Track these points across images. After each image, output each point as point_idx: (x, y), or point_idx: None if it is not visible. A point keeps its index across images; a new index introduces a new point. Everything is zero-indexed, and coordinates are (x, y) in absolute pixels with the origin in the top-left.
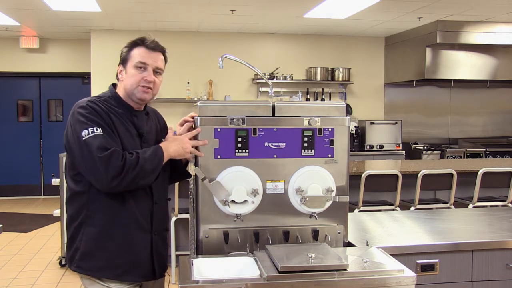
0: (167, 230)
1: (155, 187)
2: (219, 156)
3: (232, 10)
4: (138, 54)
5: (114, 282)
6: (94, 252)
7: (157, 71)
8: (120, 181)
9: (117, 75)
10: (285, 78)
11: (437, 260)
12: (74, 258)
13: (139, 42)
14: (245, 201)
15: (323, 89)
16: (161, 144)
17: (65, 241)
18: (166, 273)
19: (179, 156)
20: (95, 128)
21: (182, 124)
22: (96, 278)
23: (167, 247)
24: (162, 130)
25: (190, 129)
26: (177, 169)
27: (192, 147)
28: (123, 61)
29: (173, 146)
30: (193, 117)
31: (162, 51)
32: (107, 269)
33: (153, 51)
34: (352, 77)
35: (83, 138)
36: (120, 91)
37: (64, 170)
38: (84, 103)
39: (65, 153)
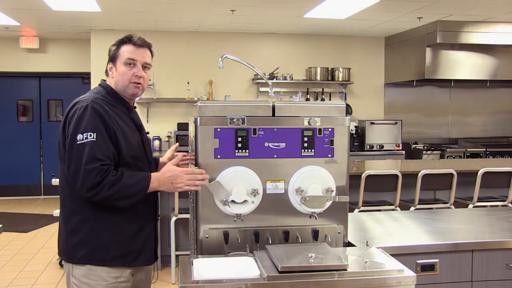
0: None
1: None
2: (219, 156)
3: (232, 10)
4: (126, 51)
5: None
6: (107, 244)
7: (145, 66)
8: (94, 195)
9: (106, 72)
10: (285, 78)
11: (437, 260)
12: (78, 252)
13: (126, 40)
14: (245, 201)
15: (323, 89)
16: (154, 175)
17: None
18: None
19: (167, 191)
20: (89, 134)
21: (170, 159)
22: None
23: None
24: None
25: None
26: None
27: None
28: (112, 59)
29: (165, 184)
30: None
31: (149, 46)
32: (118, 258)
33: (141, 47)
34: (352, 77)
35: (77, 142)
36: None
37: (59, 163)
38: (87, 102)
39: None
